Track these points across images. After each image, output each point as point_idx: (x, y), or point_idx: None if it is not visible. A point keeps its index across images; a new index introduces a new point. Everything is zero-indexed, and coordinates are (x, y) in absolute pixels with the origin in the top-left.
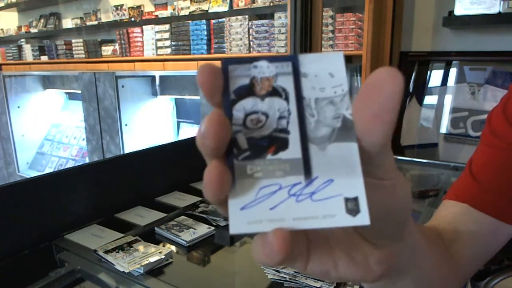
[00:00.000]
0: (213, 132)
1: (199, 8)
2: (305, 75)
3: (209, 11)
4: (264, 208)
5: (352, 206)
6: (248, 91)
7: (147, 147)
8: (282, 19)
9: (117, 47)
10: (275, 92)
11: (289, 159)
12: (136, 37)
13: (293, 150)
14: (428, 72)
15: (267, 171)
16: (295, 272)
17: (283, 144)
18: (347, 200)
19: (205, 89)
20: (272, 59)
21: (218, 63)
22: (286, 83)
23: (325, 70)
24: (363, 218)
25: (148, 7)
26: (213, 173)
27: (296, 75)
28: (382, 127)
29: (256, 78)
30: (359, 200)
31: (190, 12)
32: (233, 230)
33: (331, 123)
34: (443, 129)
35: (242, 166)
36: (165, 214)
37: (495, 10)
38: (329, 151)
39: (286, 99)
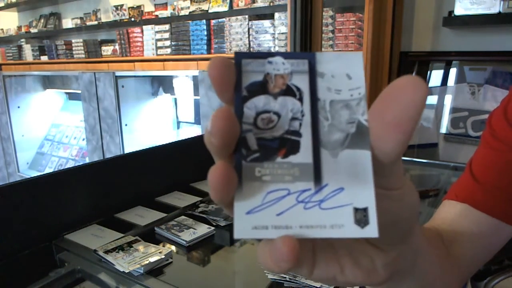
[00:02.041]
0: (220, 130)
1: (199, 8)
2: (322, 75)
3: (209, 11)
4: (271, 213)
5: (361, 217)
6: (261, 88)
7: (147, 147)
8: (282, 19)
9: (117, 47)
10: (289, 91)
11: (299, 163)
12: (136, 37)
13: (304, 154)
14: (428, 72)
15: (276, 175)
16: None
17: (294, 147)
18: (356, 210)
19: (217, 83)
20: (288, 55)
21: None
22: (301, 82)
23: (343, 70)
24: (372, 230)
25: (148, 7)
26: (217, 173)
27: (312, 74)
28: (398, 137)
29: (270, 75)
30: (368, 211)
31: (190, 12)
32: (238, 235)
33: (345, 128)
34: (443, 129)
35: (250, 168)
36: (165, 214)
37: (495, 10)
38: (341, 158)
39: (300, 99)
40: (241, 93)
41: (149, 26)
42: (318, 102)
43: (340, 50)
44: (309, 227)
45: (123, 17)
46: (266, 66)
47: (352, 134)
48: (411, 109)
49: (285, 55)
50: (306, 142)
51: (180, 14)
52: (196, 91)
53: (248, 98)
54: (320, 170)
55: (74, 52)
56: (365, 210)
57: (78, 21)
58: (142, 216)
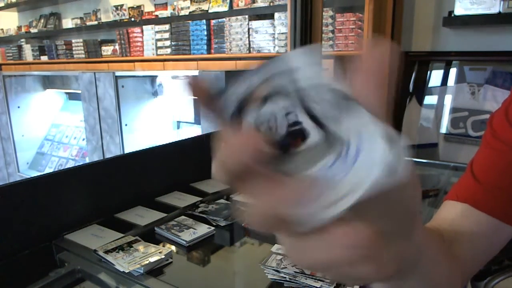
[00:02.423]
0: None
1: (199, 8)
2: (297, 68)
3: (209, 11)
4: (325, 194)
5: (392, 162)
6: (248, 102)
7: (147, 147)
8: (282, 19)
9: (117, 47)
10: (274, 93)
11: (315, 143)
12: (136, 37)
13: (314, 135)
14: (428, 72)
15: (303, 163)
16: (295, 272)
17: (302, 134)
18: (384, 158)
19: (204, 106)
20: (262, 65)
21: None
22: (282, 80)
23: (313, 60)
24: (403, 173)
25: (148, 7)
26: (292, 189)
27: (290, 71)
28: (375, 90)
29: (252, 87)
30: (396, 155)
31: (190, 12)
32: (314, 223)
33: (336, 102)
34: (443, 129)
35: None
36: (165, 214)
37: (495, 10)
38: (345, 124)
39: (287, 95)
40: (233, 111)
41: (149, 26)
42: (304, 91)
43: (340, 50)
44: (356, 189)
45: (123, 17)
46: (245, 82)
47: (343, 105)
48: (377, 64)
49: (258, 66)
50: (309, 125)
51: (180, 14)
52: None
53: (240, 113)
54: (335, 139)
55: (74, 52)
56: (393, 155)
57: (78, 21)
58: (142, 216)
